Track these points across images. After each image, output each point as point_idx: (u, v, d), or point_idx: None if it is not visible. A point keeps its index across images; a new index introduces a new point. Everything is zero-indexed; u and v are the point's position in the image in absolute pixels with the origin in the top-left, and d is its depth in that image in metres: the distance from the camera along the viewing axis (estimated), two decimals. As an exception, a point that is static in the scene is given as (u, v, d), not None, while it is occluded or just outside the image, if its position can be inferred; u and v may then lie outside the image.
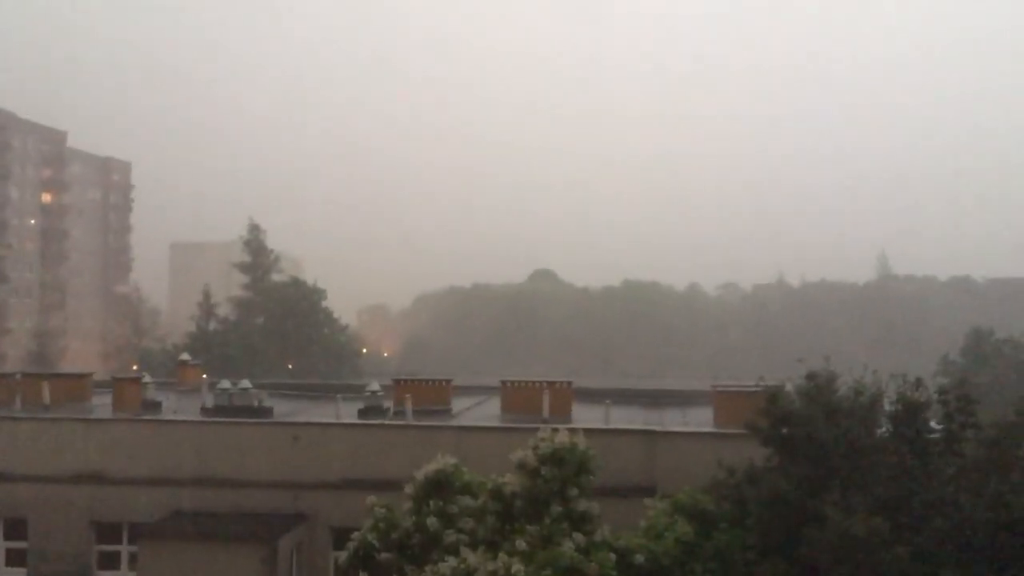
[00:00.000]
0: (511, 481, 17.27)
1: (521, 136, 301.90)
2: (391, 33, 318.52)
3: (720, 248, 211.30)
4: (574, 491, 16.89)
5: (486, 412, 29.87)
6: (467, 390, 33.96)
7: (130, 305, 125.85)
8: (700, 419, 27.44)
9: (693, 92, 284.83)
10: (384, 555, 17.61)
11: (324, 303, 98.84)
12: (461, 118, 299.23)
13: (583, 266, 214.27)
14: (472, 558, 16.11)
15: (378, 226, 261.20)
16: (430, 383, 30.31)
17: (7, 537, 24.81)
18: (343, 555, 18.55)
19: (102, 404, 29.65)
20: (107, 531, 24.61)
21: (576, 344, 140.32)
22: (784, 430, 17.78)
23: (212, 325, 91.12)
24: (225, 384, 29.38)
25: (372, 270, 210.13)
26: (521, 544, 16.09)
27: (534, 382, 29.30)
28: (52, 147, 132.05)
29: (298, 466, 24.22)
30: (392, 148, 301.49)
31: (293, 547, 23.24)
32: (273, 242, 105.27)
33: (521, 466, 17.15)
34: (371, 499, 18.33)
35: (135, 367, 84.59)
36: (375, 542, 17.70)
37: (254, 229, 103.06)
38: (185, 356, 42.34)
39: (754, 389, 21.36)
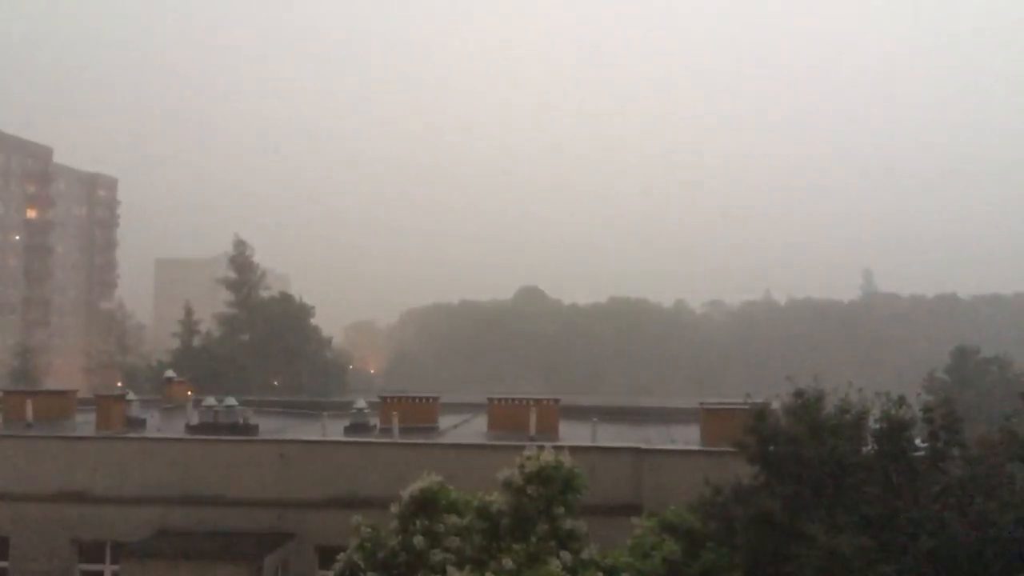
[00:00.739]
0: (497, 499, 17.22)
1: (509, 155, 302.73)
2: (379, 50, 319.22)
3: (706, 265, 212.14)
4: (560, 509, 16.83)
5: (473, 429, 29.82)
6: (454, 407, 33.91)
7: (115, 321, 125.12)
8: (687, 436, 27.47)
9: (679, 113, 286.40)
10: (370, 574, 17.50)
11: (311, 320, 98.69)
12: (447, 138, 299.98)
13: (570, 283, 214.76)
14: (458, 577, 16.02)
15: (365, 242, 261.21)
16: (417, 400, 30.26)
17: (-12, 556, 24.53)
18: (329, 574, 18.43)
19: (86, 422, 29.44)
20: (90, 550, 24.38)
21: (563, 361, 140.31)
22: (771, 448, 17.78)
23: (195, 341, 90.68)
24: (210, 401, 29.25)
25: (359, 286, 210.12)
26: (508, 563, 16.01)
27: (521, 399, 29.30)
28: (37, 163, 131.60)
29: (284, 484, 24.09)
30: (378, 165, 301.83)
31: (278, 566, 23.07)
32: (259, 258, 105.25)
33: (507, 484, 17.10)
34: (357, 518, 18.22)
35: (119, 384, 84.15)
36: (361, 561, 17.58)
37: (240, 245, 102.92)
38: (170, 373, 42.16)
39: (741, 406, 21.37)
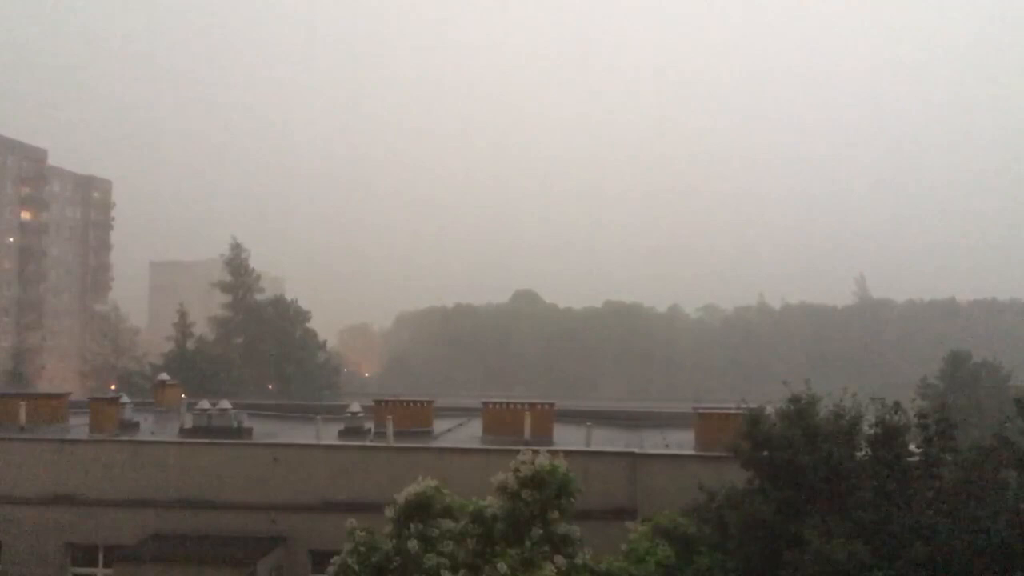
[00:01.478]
0: (492, 504, 17.22)
1: (504, 159, 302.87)
2: (374, 53, 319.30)
3: (701, 270, 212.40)
4: (555, 514, 16.84)
5: (467, 434, 29.80)
6: (449, 411, 33.89)
7: (109, 324, 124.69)
8: (681, 441, 27.48)
9: (673, 117, 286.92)
10: (364, 579, 17.45)
11: (306, 323, 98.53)
12: (443, 142, 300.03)
13: (565, 287, 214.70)
14: (453, 582, 16.01)
15: (360, 246, 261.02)
16: (412, 404, 30.23)
17: (-20, 560, 24.45)
18: (323, 578, 18.41)
19: (79, 424, 29.37)
20: (83, 554, 24.33)
21: (558, 365, 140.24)
22: (765, 453, 17.80)
23: (190, 344, 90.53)
24: (204, 405, 29.21)
25: (354, 290, 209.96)
26: (502, 567, 16.00)
27: (516, 403, 29.27)
28: (32, 165, 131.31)
29: (277, 488, 24.06)
30: (374, 169, 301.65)
31: (272, 570, 23.02)
32: (255, 261, 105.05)
33: (502, 488, 17.10)
34: (351, 522, 18.20)
35: (113, 387, 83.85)
36: (355, 566, 17.54)
37: (235, 248, 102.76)
38: (164, 376, 42.03)
39: (735, 411, 21.39)
